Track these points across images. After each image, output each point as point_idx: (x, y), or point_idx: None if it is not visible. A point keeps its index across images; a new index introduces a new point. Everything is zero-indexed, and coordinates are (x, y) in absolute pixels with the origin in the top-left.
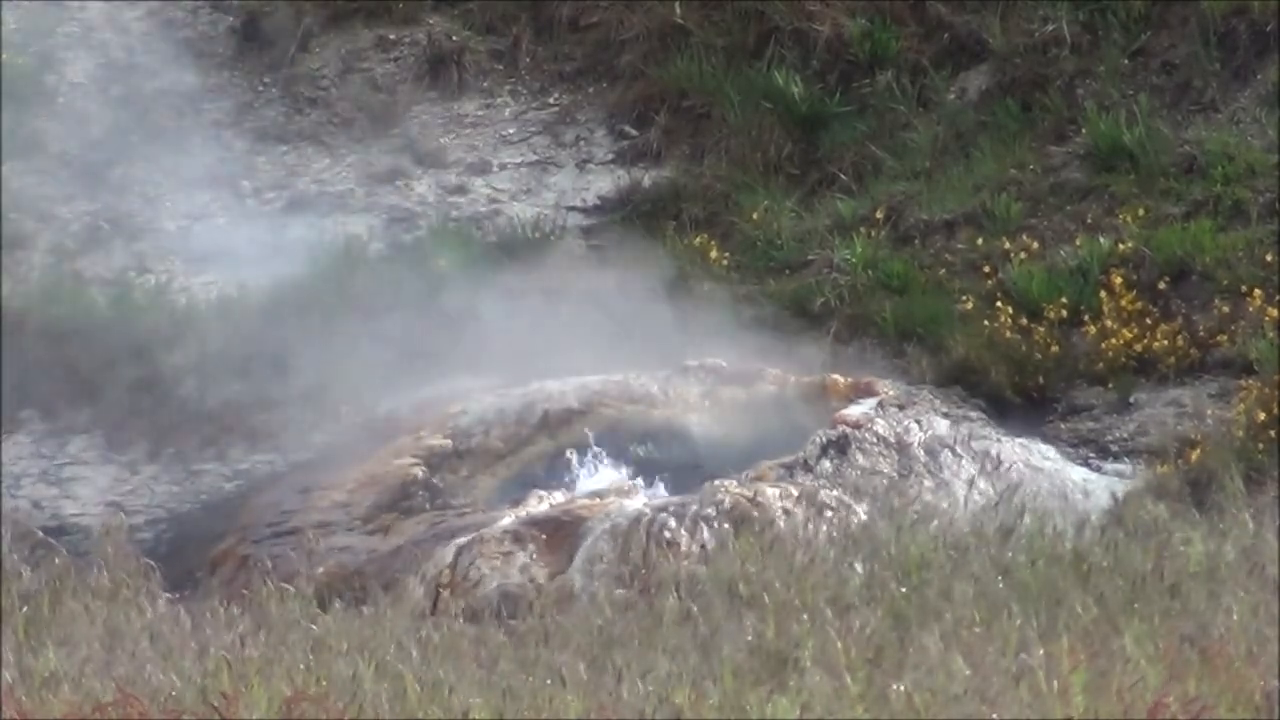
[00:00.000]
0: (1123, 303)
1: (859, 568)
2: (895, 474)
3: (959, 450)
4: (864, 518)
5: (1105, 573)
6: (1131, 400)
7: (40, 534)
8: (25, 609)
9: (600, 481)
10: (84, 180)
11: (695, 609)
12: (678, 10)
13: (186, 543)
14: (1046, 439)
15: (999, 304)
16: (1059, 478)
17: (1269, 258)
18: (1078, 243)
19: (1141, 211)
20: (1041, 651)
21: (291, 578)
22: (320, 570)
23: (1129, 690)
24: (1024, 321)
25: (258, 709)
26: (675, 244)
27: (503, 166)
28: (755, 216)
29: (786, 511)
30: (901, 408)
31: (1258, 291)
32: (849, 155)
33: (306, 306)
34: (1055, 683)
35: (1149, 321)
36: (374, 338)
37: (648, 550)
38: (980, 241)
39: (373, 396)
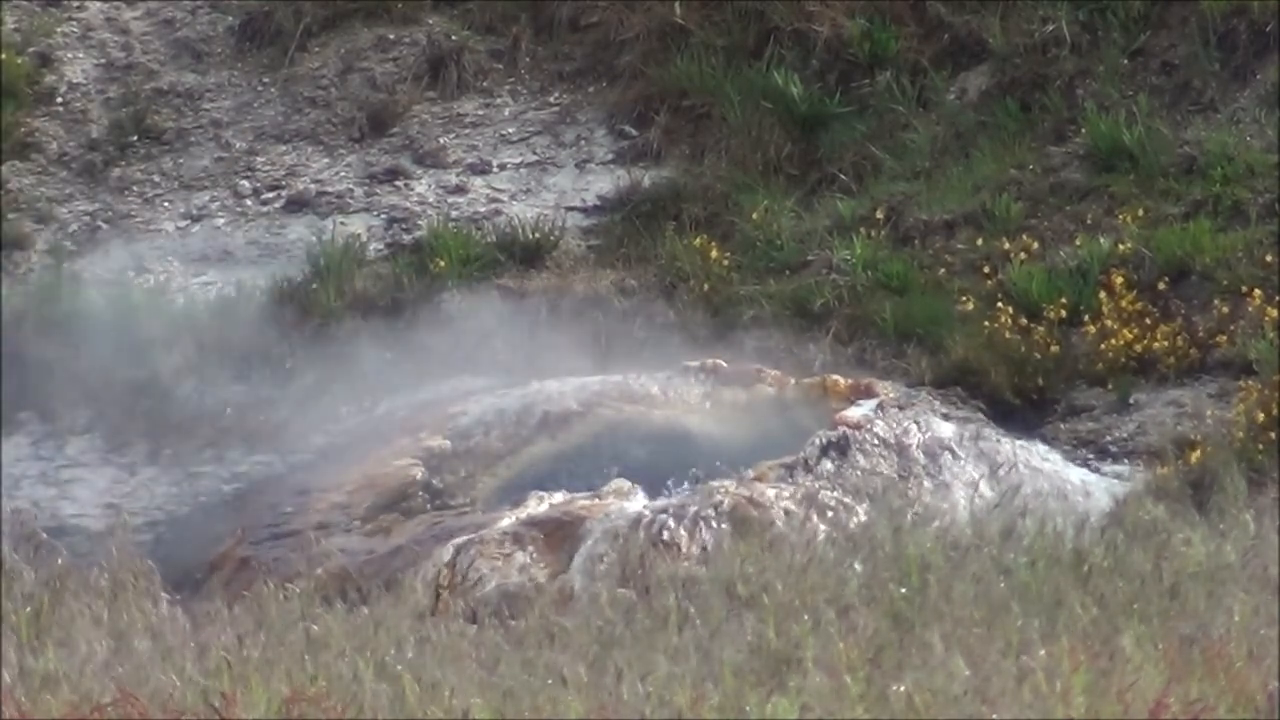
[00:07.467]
0: (1122, 303)
1: (859, 568)
2: (895, 475)
3: (959, 451)
4: (864, 518)
5: (1105, 573)
6: (1131, 401)
7: (44, 535)
8: (26, 609)
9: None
10: (84, 180)
11: (695, 610)
12: (678, 10)
13: (185, 544)
14: (1046, 440)
15: (999, 304)
16: (1059, 478)
17: (1269, 258)
18: (1077, 243)
19: (1141, 212)
20: (1042, 652)
21: (291, 578)
22: (319, 571)
23: (1129, 691)
24: (1024, 322)
25: (257, 709)
26: (675, 244)
27: (502, 166)
28: (755, 216)
29: (786, 512)
30: (901, 409)
31: (1257, 292)
32: (849, 155)
33: (305, 307)
34: (1056, 683)
35: (1149, 322)
36: (373, 338)
37: (647, 551)
38: (980, 242)
39: (372, 397)
